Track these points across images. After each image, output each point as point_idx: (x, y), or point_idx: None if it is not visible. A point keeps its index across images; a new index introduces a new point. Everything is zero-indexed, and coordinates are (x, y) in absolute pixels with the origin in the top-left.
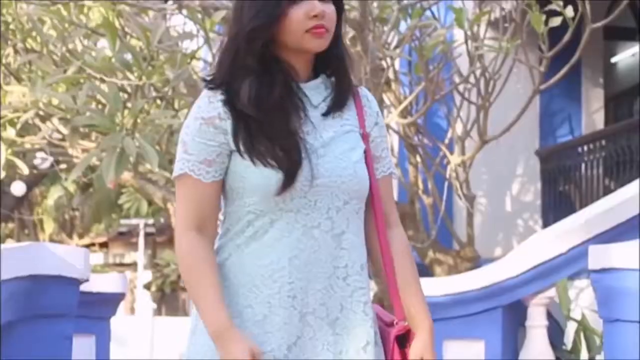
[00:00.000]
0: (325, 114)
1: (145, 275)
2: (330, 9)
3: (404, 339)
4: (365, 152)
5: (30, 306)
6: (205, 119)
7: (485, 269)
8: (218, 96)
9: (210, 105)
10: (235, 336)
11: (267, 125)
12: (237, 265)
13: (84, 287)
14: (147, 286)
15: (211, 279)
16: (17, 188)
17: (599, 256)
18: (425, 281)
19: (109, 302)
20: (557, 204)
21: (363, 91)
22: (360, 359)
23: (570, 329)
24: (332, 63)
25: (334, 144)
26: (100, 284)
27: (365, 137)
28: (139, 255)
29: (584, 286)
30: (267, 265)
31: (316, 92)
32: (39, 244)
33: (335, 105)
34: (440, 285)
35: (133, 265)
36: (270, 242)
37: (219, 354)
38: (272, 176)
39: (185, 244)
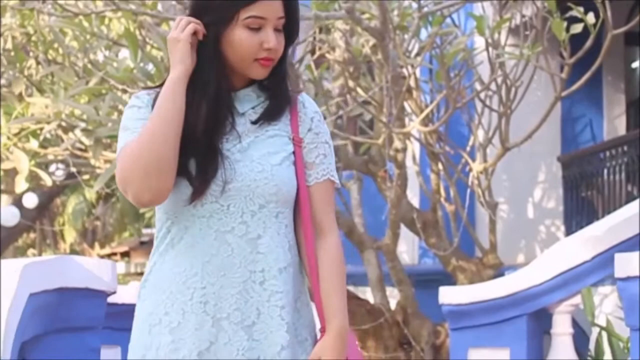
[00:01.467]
0: (254, 122)
1: None
2: (281, 40)
3: None
4: (295, 156)
5: (58, 319)
6: (137, 105)
7: (510, 277)
8: (145, 96)
9: (138, 98)
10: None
11: (187, 137)
12: (159, 273)
13: (110, 299)
14: None
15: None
16: (29, 200)
17: (625, 264)
18: (449, 289)
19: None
20: (579, 210)
21: (302, 97)
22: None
23: (595, 335)
24: (270, 78)
25: (253, 148)
26: (126, 295)
27: (296, 142)
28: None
29: (608, 292)
30: (182, 272)
31: (245, 100)
32: (66, 257)
33: (267, 115)
34: (465, 293)
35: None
36: (184, 248)
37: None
38: (183, 185)
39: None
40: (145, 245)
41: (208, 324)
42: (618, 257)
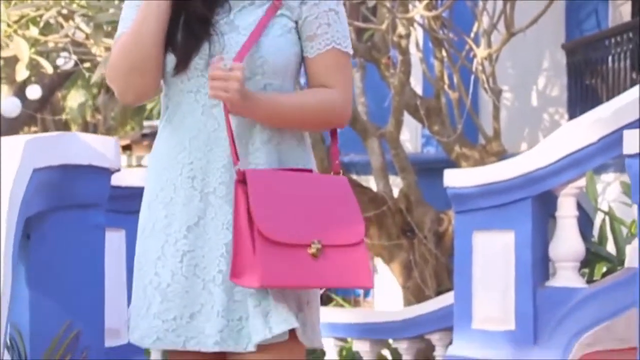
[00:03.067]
0: None
1: None
2: None
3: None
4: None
5: (62, 196)
6: None
7: (515, 159)
8: None
9: None
10: None
11: (179, 10)
12: (157, 149)
13: (113, 181)
14: None
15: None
16: (32, 91)
17: (633, 140)
18: (454, 172)
19: (139, 196)
20: (583, 98)
21: None
22: None
23: (598, 221)
24: None
25: (240, 18)
26: (130, 178)
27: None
28: None
29: (611, 180)
30: (173, 147)
31: None
32: (70, 133)
33: None
34: (470, 176)
35: None
36: (176, 124)
37: None
38: (170, 58)
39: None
40: (147, 138)
41: (196, 199)
42: (627, 133)
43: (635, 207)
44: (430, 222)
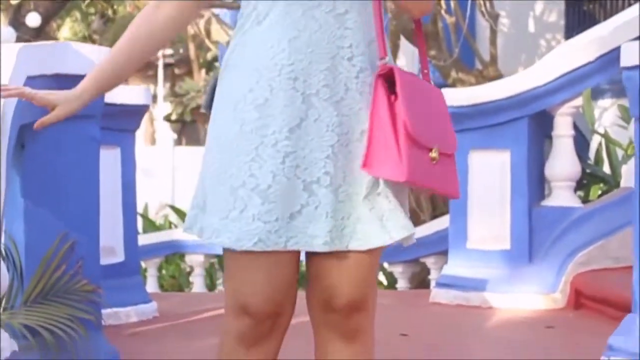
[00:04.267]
0: None
1: (164, 107)
2: None
3: (391, 84)
4: None
5: None
6: None
7: (512, 78)
8: None
9: None
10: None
11: None
12: (242, 51)
13: (108, 99)
14: (167, 118)
15: (112, 54)
16: (32, 19)
17: (632, 53)
18: (450, 91)
19: (133, 113)
20: (580, 24)
21: None
22: (361, 143)
23: (594, 144)
24: None
25: None
26: (124, 95)
27: None
28: (159, 87)
29: (608, 106)
30: (268, 48)
31: None
32: (64, 43)
33: None
34: (466, 95)
35: (152, 98)
36: (270, 25)
37: None
38: None
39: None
40: (142, 69)
41: (298, 100)
42: (625, 45)
43: (632, 125)
44: None
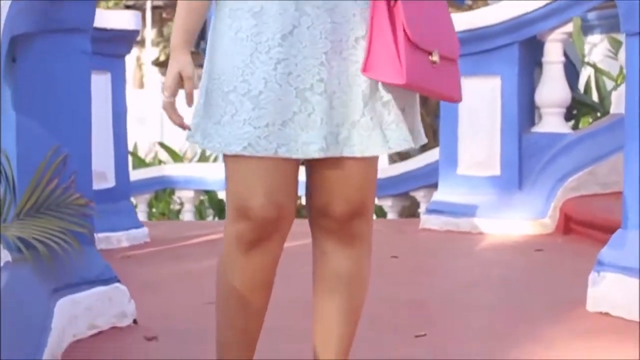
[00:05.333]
0: None
1: (153, 52)
2: None
3: None
4: None
5: (47, 19)
6: None
7: (501, 5)
8: None
9: None
10: (179, 56)
11: None
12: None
13: (98, 24)
14: (156, 62)
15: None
16: None
17: None
18: None
19: (124, 39)
20: None
21: None
22: (355, 50)
23: (584, 77)
24: None
25: None
26: (114, 21)
27: None
28: (147, 31)
29: (597, 41)
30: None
31: None
32: None
33: None
34: (456, 21)
35: (140, 42)
36: (264, 19)
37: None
38: None
39: None
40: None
41: (292, 8)
42: None
43: (622, 53)
44: None
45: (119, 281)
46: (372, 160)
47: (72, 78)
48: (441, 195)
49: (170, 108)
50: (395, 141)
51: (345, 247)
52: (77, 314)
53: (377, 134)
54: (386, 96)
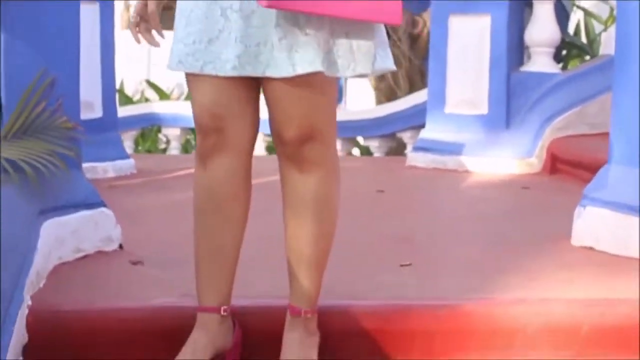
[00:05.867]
0: None
1: None
2: None
3: None
4: None
5: None
6: None
7: None
8: None
9: None
10: None
11: None
12: None
13: None
14: None
15: None
16: None
17: None
18: None
19: None
20: None
21: None
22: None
23: (573, 22)
24: None
25: None
26: None
27: None
28: None
29: None
30: None
31: None
32: None
33: None
34: None
35: None
36: None
37: None
38: None
39: None
40: None
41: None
42: None
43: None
44: (405, 25)
45: (105, 206)
46: (321, 83)
47: (61, 1)
48: (428, 133)
49: (133, 28)
50: (301, 64)
51: (302, 172)
52: (63, 236)
53: (285, 55)
54: (302, 19)
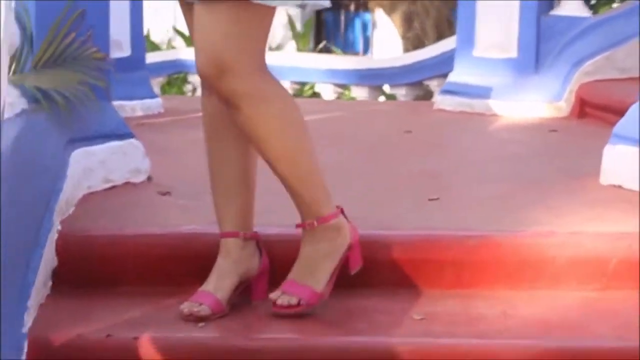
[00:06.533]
0: None
1: None
2: None
3: None
4: None
5: None
6: None
7: None
8: None
9: None
10: None
11: None
12: None
13: None
14: None
15: None
16: None
17: None
18: None
19: None
20: None
21: None
22: None
23: None
24: None
25: None
26: None
27: None
28: None
29: None
30: None
31: None
32: None
33: None
34: None
35: None
36: None
37: None
38: None
39: None
40: None
41: None
42: None
43: None
44: None
45: (134, 137)
46: (219, 9)
47: None
48: (456, 76)
49: None
50: None
51: (230, 109)
52: (91, 166)
53: None
54: None
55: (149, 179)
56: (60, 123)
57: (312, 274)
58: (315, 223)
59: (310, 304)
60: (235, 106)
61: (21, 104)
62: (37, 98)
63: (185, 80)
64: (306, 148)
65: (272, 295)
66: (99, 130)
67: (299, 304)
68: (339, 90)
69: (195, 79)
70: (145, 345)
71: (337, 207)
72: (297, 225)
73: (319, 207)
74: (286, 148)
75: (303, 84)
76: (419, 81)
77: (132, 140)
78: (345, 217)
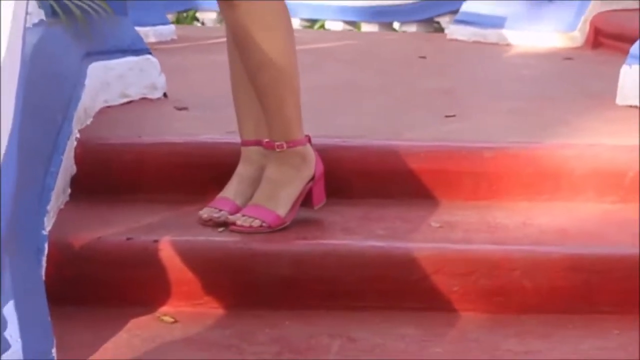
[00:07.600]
0: None
1: None
2: None
3: None
4: None
5: None
6: None
7: None
8: None
9: None
10: None
11: None
12: None
13: None
14: None
15: None
16: None
17: None
18: None
19: None
20: None
21: None
22: None
23: None
24: None
25: None
26: None
27: None
28: None
29: None
30: None
31: None
32: None
33: None
34: None
35: None
36: None
37: None
38: None
39: None
40: None
41: None
42: None
43: None
44: None
45: (150, 53)
46: None
47: None
48: (469, 6)
49: None
50: None
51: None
52: (108, 80)
53: None
54: None
55: (165, 95)
56: (78, 35)
57: (275, 199)
58: (285, 145)
59: (271, 226)
60: (228, 5)
61: (39, 14)
62: (55, 10)
63: (194, 18)
64: (292, 57)
65: (232, 218)
66: (116, 44)
67: (261, 227)
68: (349, 27)
69: (204, 15)
70: (166, 247)
71: (307, 135)
72: (266, 144)
73: (290, 130)
74: (275, 50)
75: (313, 21)
76: (430, 18)
77: (149, 56)
78: (313, 148)
